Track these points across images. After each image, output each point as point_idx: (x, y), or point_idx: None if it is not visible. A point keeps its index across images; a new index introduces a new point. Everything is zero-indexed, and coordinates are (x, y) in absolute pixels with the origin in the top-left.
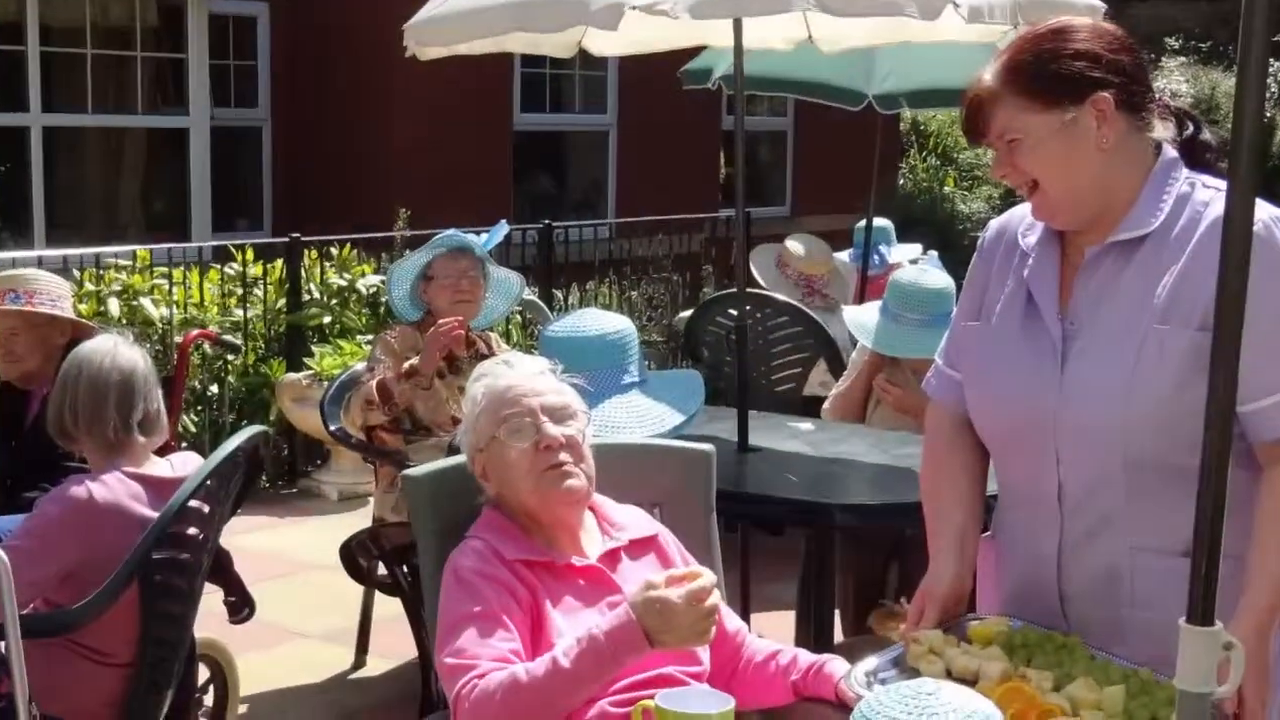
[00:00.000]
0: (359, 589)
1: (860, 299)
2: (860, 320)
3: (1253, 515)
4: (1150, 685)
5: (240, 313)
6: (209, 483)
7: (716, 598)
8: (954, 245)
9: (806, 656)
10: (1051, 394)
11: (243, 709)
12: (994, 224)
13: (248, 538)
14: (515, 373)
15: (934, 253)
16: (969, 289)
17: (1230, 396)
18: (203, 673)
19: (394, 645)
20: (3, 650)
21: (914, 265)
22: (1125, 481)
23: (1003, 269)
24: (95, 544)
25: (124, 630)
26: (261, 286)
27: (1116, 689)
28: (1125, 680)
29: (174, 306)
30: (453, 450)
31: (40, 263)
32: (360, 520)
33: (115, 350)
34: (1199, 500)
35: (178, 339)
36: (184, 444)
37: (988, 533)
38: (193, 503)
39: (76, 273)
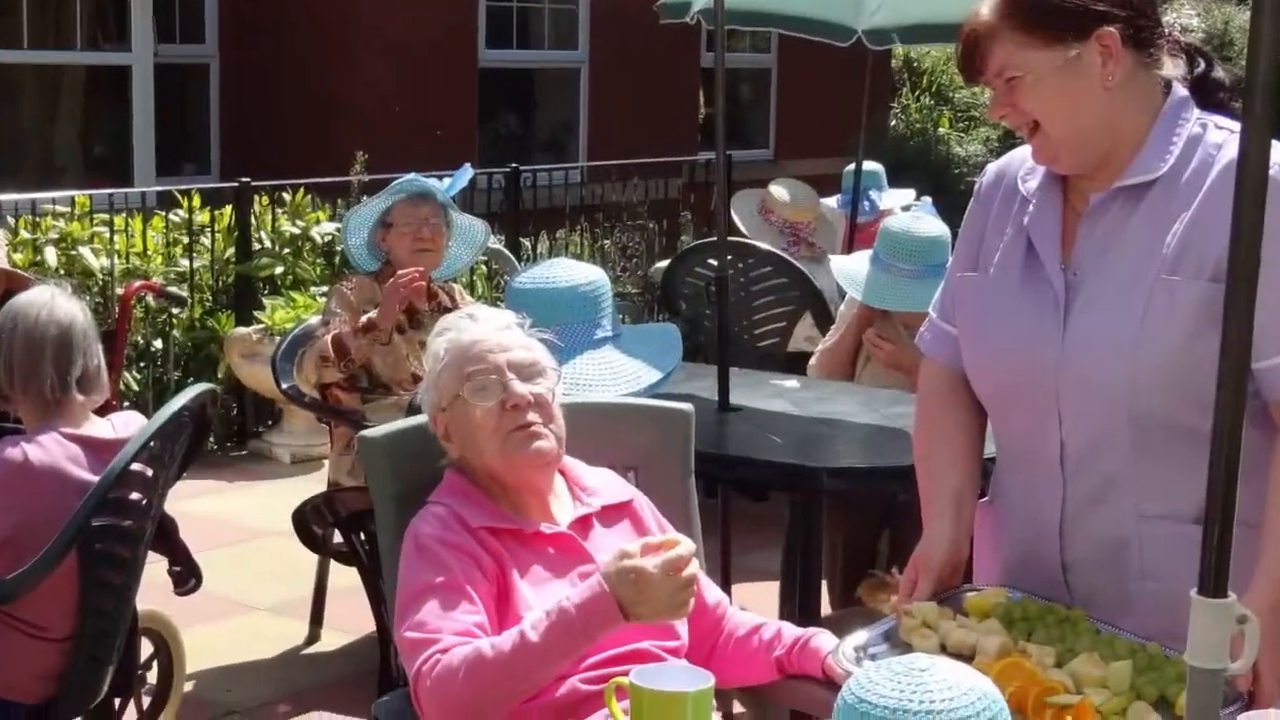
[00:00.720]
0: (313, 558)
1: (849, 248)
2: (849, 271)
3: (1267, 479)
4: (1159, 661)
5: (186, 263)
6: (153, 444)
7: (695, 567)
8: (949, 190)
9: (791, 631)
10: (1053, 349)
11: (189, 686)
12: (992, 168)
13: (194, 503)
14: (480, 327)
15: (928, 199)
16: (965, 237)
17: (1245, 352)
18: (146, 647)
19: (350, 618)
20: None
21: (906, 212)
22: (1131, 442)
23: (1001, 216)
24: (31, 510)
25: (62, 602)
26: (209, 235)
27: (1123, 664)
28: (1132, 655)
29: (115, 256)
30: (413, 410)
31: None
32: (314, 485)
33: (52, 303)
34: (1211, 463)
35: (119, 291)
36: (126, 403)
37: (985, 498)
38: (135, 466)
39: (11, 220)
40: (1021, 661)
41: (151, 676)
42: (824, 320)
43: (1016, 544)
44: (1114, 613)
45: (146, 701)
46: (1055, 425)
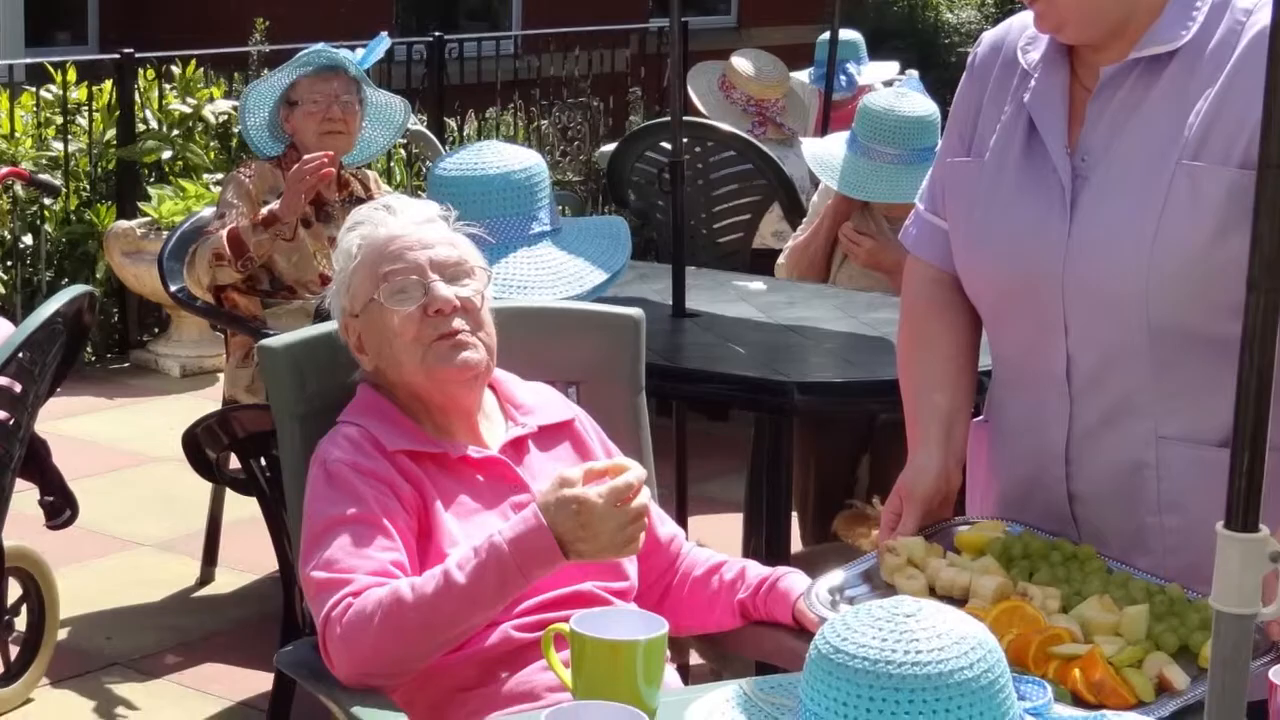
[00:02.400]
0: (205, 487)
1: (823, 129)
2: (823, 156)
3: None
4: (1179, 605)
5: (60, 146)
6: (21, 355)
7: (646, 497)
8: (938, 63)
9: (757, 570)
10: (1058, 247)
11: (63, 633)
12: (987, 37)
13: (69, 423)
14: (398, 220)
15: (914, 72)
16: (956, 117)
17: (1277, 249)
18: (13, 589)
19: (248, 556)
20: None
21: (889, 88)
22: (1149, 355)
23: (998, 92)
24: None
25: None
26: (86, 115)
27: (1138, 609)
28: (1149, 598)
29: None
30: (321, 315)
31: None
32: (208, 402)
33: None
34: (1240, 376)
35: None
36: None
37: (980, 417)
38: (0, 380)
39: None
40: (1022, 605)
41: (20, 623)
42: (794, 213)
43: (1016, 471)
44: (1128, 550)
45: (14, 651)
46: (1061, 337)
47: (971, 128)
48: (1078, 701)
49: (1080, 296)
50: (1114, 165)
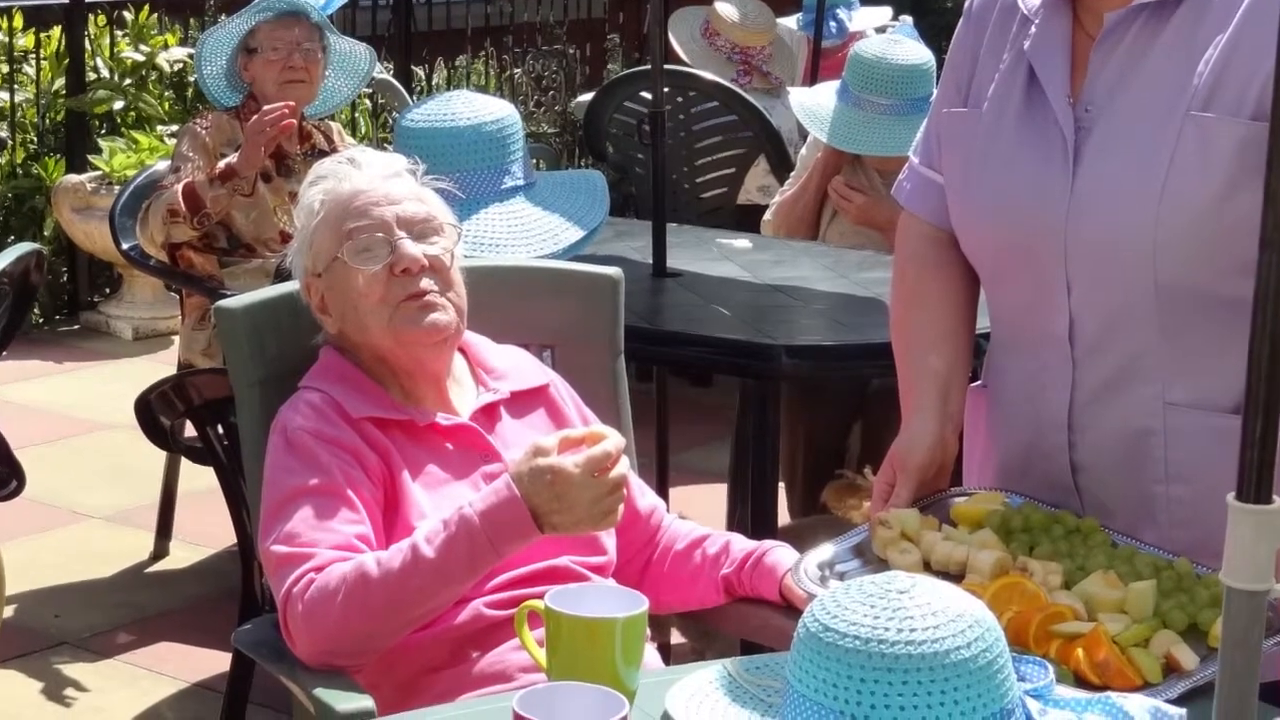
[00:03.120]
0: (159, 456)
1: (811, 78)
2: (812, 106)
3: None
4: (1188, 580)
5: (5, 96)
6: None
7: (625, 467)
8: (934, 8)
9: (742, 544)
10: (1060, 202)
11: (8, 611)
12: None
13: (15, 389)
14: (363, 174)
15: (907, 18)
16: (953, 65)
17: None
18: None
19: (205, 529)
20: None
21: (881, 34)
22: (1156, 316)
23: (997, 39)
24: None
25: None
26: (32, 63)
27: (1145, 585)
28: (1156, 574)
29: None
30: (281, 275)
31: None
32: (162, 367)
33: None
34: (1252, 339)
35: None
36: None
37: (978, 382)
38: None
39: None
40: (1022, 581)
41: None
42: (781, 167)
43: (1015, 439)
44: (1134, 522)
45: None
46: (1063, 296)
47: (969, 76)
48: (1081, 682)
49: (1083, 254)
50: (1119, 116)
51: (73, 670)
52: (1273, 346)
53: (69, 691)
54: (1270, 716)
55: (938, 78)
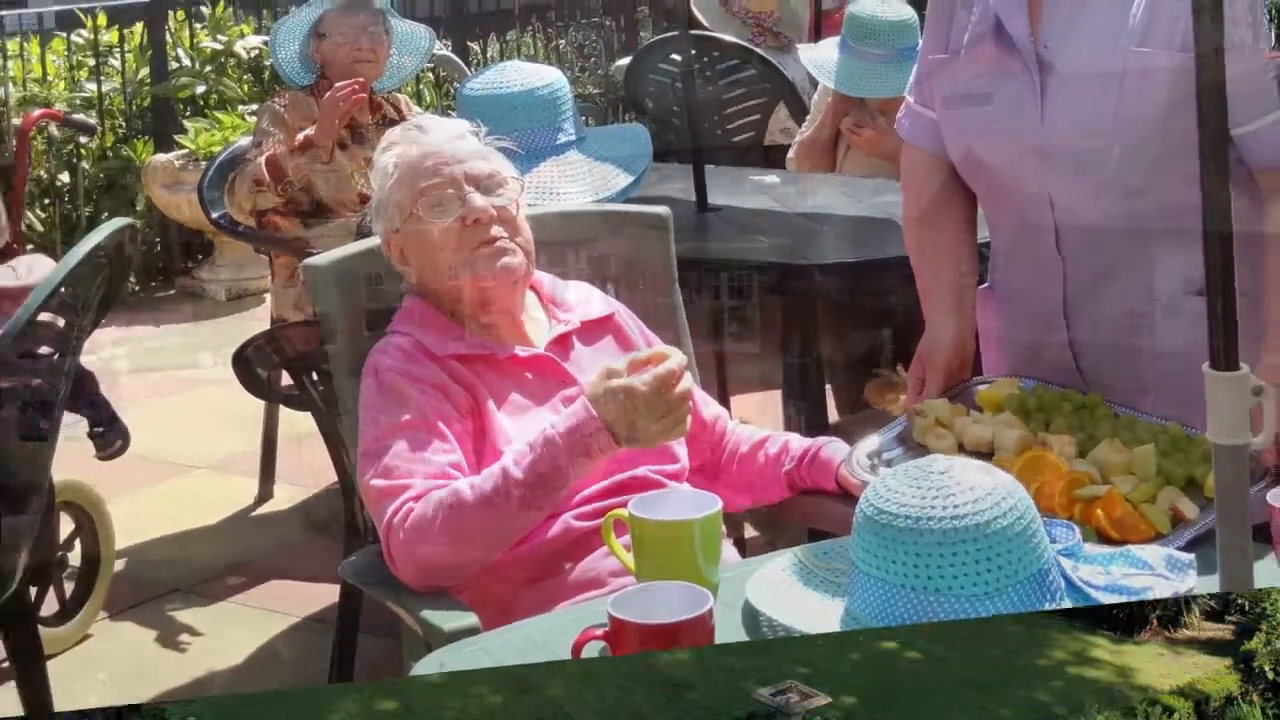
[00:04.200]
0: (259, 406)
1: (815, 36)
2: (818, 59)
3: (1261, 248)
4: (1181, 441)
5: (93, 87)
6: (64, 290)
7: (689, 381)
8: None
9: (799, 442)
10: (1034, 129)
11: (120, 564)
12: None
13: (118, 351)
14: (431, 138)
15: None
16: (933, 17)
17: (1221, 123)
18: (66, 524)
19: (306, 471)
20: None
21: None
22: (1126, 221)
23: None
24: None
25: None
26: (118, 56)
27: (1146, 449)
28: (1154, 438)
29: (10, 84)
30: (363, 232)
31: None
32: (255, 323)
33: None
34: (1205, 236)
35: (16, 121)
36: (30, 245)
37: (985, 284)
38: (44, 316)
39: None
40: (1044, 455)
41: (74, 558)
42: (798, 111)
43: (1022, 331)
44: (1131, 395)
45: (70, 588)
46: (1048, 211)
47: (948, 26)
48: (1103, 538)
49: (1059, 173)
50: (1072, 53)
51: (186, 616)
52: (1221, 242)
53: (184, 637)
54: (1264, 554)
55: (921, 30)
